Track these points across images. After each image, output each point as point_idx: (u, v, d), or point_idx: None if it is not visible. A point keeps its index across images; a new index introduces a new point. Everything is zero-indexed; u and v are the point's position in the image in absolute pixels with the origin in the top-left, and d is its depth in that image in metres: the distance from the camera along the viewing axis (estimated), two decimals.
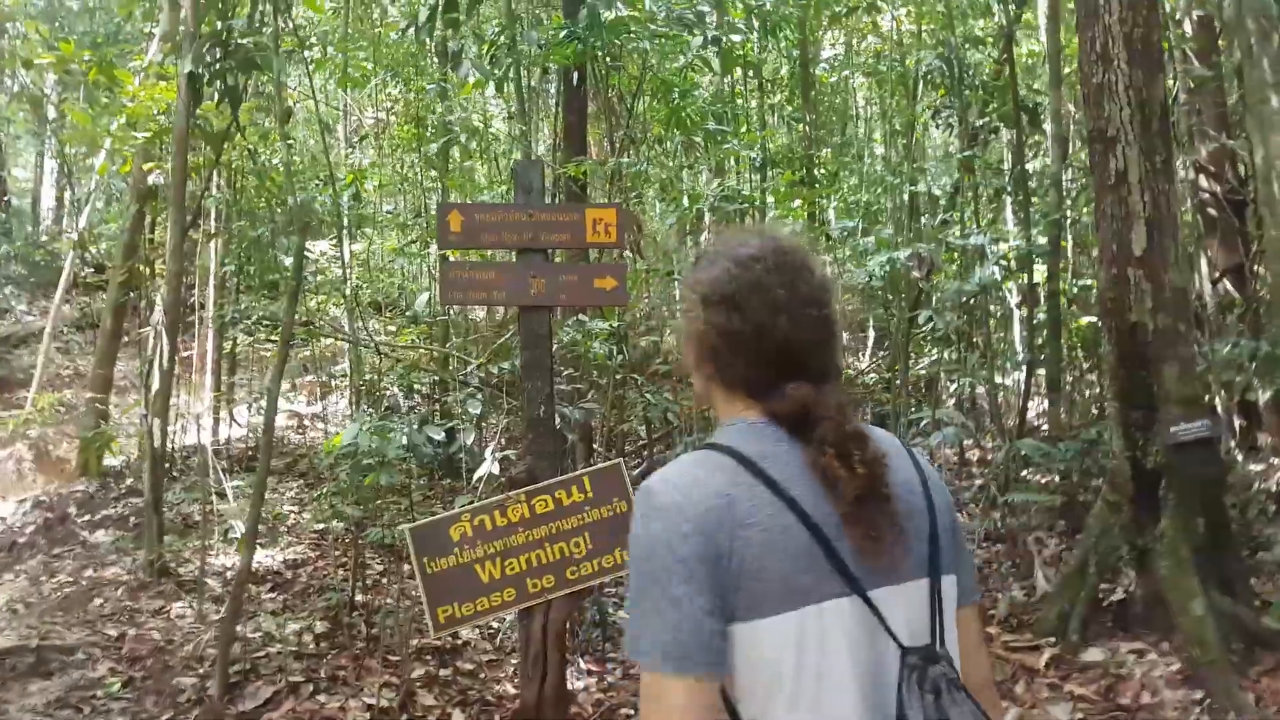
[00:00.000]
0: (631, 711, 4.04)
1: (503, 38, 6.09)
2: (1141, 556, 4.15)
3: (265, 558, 6.20)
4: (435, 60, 8.54)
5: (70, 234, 12.86)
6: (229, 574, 5.65)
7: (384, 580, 5.47)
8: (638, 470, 5.97)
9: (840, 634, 1.02)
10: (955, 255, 7.05)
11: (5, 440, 9.89)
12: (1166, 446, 3.99)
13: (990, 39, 7.94)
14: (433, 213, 8.91)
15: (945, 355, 8.23)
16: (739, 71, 8.19)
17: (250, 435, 9.41)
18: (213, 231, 8.80)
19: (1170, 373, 4.05)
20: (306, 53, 6.38)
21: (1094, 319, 8.76)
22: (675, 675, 0.99)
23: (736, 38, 5.78)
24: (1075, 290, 7.52)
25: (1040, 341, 6.61)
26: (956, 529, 1.19)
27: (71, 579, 6.29)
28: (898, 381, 7.14)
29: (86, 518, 7.47)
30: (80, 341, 13.61)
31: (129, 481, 8.24)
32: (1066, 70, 6.68)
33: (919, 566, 1.10)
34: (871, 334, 12.50)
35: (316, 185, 7.03)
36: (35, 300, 14.92)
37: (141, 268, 8.14)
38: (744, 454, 1.08)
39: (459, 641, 4.74)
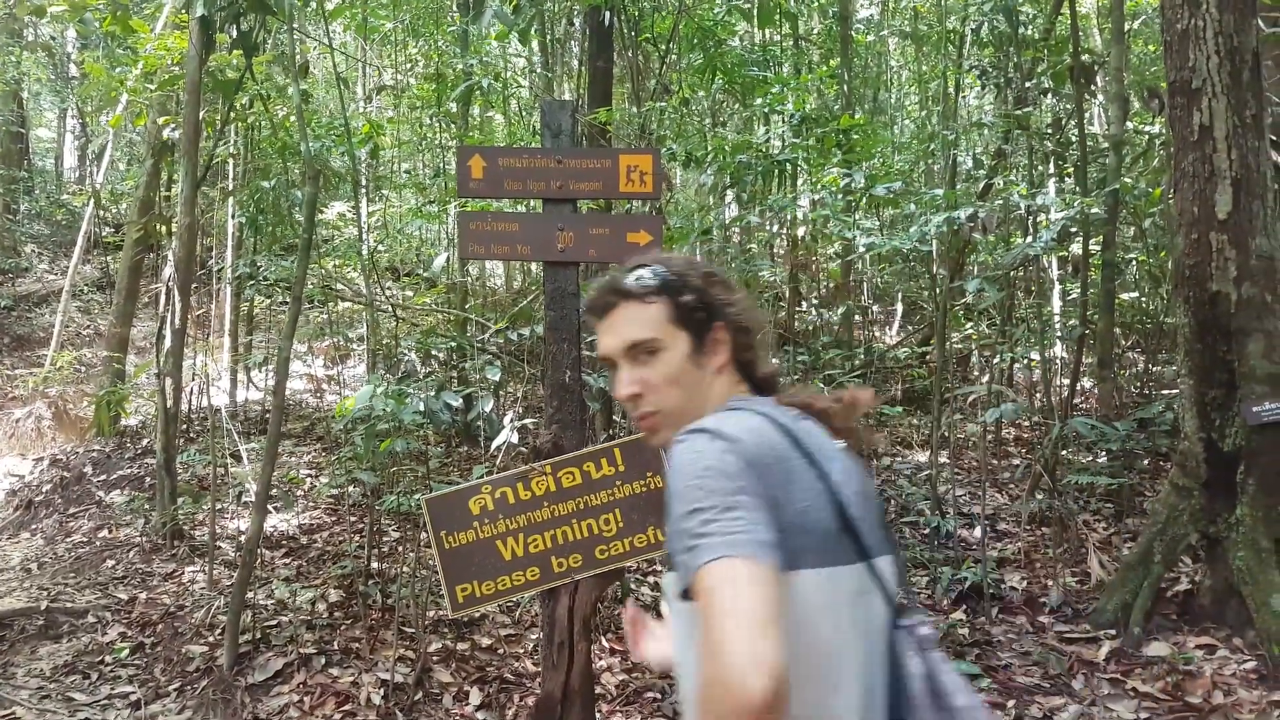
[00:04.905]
0: (659, 696, 3.83)
1: None
2: (1212, 546, 3.85)
3: (280, 522, 6.06)
4: (456, 15, 8.21)
5: (87, 190, 12.73)
6: (242, 538, 5.50)
7: (400, 548, 5.29)
8: None
9: (852, 596, 1.12)
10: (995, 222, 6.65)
11: (25, 398, 9.84)
12: (1247, 427, 3.68)
13: None
14: (451, 173, 8.64)
15: (983, 329, 7.87)
16: (772, 27, 7.78)
17: (267, 397, 9.27)
18: (229, 189, 8.59)
19: (1254, 347, 3.71)
20: None
21: (1136, 295, 8.39)
22: (752, 560, 0.98)
23: None
24: (1124, 262, 7.12)
25: (1092, 315, 6.25)
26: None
27: (85, 539, 6.19)
28: (935, 357, 6.78)
29: (103, 477, 7.38)
30: (100, 300, 13.56)
31: (145, 441, 8.13)
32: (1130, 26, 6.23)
33: (887, 543, 1.23)
34: (899, 306, 12.07)
35: (332, 138, 6.75)
36: (57, 259, 14.87)
37: (157, 225, 7.95)
38: (780, 422, 1.16)
39: (477, 615, 4.55)
